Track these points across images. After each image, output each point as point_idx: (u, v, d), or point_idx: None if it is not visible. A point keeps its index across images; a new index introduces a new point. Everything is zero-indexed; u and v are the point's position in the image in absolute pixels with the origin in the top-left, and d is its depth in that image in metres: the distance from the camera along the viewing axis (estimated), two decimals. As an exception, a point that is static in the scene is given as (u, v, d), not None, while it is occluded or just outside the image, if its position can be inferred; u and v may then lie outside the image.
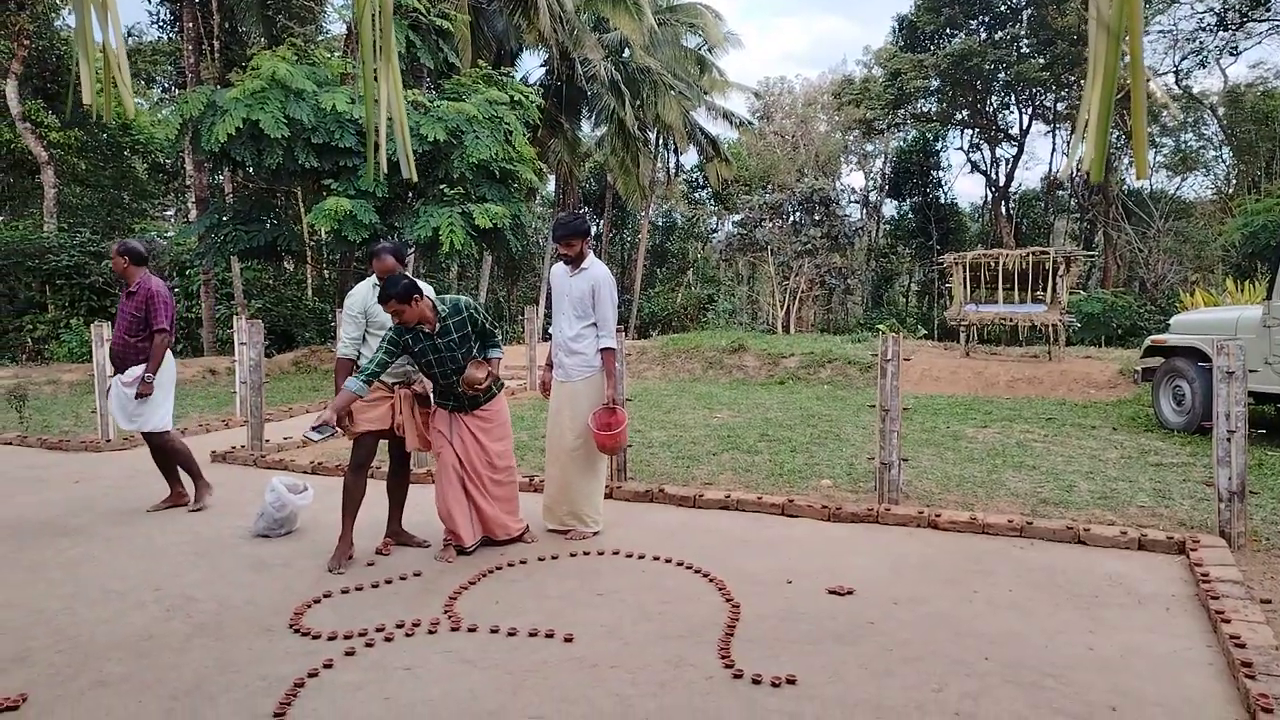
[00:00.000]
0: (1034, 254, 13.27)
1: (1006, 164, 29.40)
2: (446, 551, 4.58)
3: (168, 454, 5.69)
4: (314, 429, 4.24)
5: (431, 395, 4.77)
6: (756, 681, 3.06)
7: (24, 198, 22.66)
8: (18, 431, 8.69)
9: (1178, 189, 30.12)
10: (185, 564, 4.50)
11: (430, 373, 4.50)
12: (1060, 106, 27.32)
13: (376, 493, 5.07)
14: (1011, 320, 13.68)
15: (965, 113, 28.24)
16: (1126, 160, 26.46)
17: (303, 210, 16.10)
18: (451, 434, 4.60)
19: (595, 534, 4.95)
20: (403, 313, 4.22)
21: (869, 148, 34.29)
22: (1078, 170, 20.78)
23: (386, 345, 4.30)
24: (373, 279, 4.79)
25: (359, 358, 4.77)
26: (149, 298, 5.44)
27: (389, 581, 4.19)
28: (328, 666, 3.22)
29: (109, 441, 7.92)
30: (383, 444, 4.79)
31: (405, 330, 4.32)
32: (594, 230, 27.81)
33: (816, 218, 25.69)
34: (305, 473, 6.77)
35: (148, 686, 3.08)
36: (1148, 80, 1.24)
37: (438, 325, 4.36)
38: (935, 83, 26.16)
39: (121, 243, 5.61)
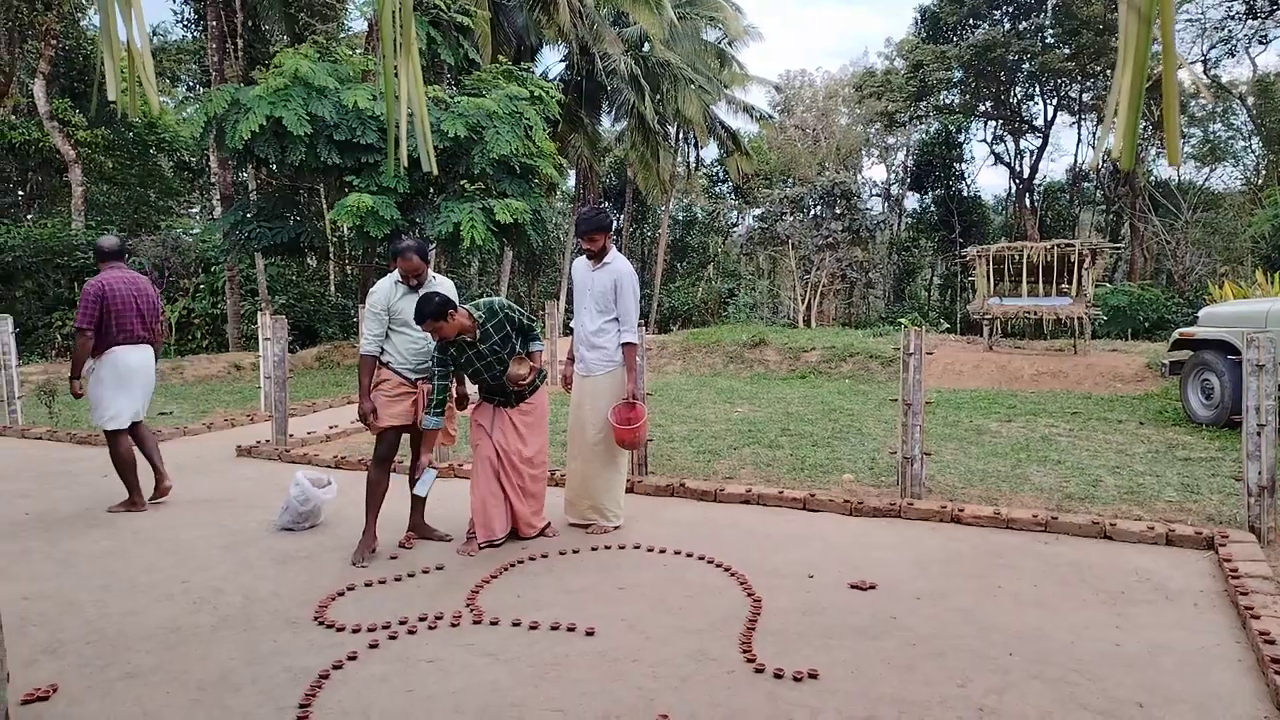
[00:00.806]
0: (1059, 246, 13.12)
1: (1031, 156, 29.04)
2: (469, 545, 4.61)
3: (111, 455, 5.51)
4: (419, 481, 4.48)
5: (460, 391, 4.82)
6: (778, 676, 3.06)
7: (52, 196, 22.98)
8: (48, 426, 8.83)
9: (1206, 180, 29.64)
10: (212, 557, 4.56)
11: (479, 379, 4.56)
12: (1086, 97, 26.93)
13: (400, 487, 5.11)
14: (1036, 313, 13.54)
15: (989, 104, 27.90)
16: (1154, 151, 26.05)
17: (325, 206, 16.20)
18: (492, 427, 4.65)
19: (616, 528, 4.95)
20: (441, 329, 4.25)
21: (891, 140, 34.01)
22: (1106, 159, 20.49)
23: (437, 368, 4.40)
24: (395, 275, 4.80)
25: (381, 354, 4.80)
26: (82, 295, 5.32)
27: (412, 575, 4.23)
28: (352, 659, 3.25)
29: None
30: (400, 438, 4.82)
31: (448, 345, 4.36)
32: (614, 225, 27.81)
33: (838, 211, 25.49)
34: (329, 467, 6.83)
35: (175, 678, 3.12)
36: (1179, 66, 1.21)
37: (478, 333, 4.39)
38: (958, 74, 25.86)
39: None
